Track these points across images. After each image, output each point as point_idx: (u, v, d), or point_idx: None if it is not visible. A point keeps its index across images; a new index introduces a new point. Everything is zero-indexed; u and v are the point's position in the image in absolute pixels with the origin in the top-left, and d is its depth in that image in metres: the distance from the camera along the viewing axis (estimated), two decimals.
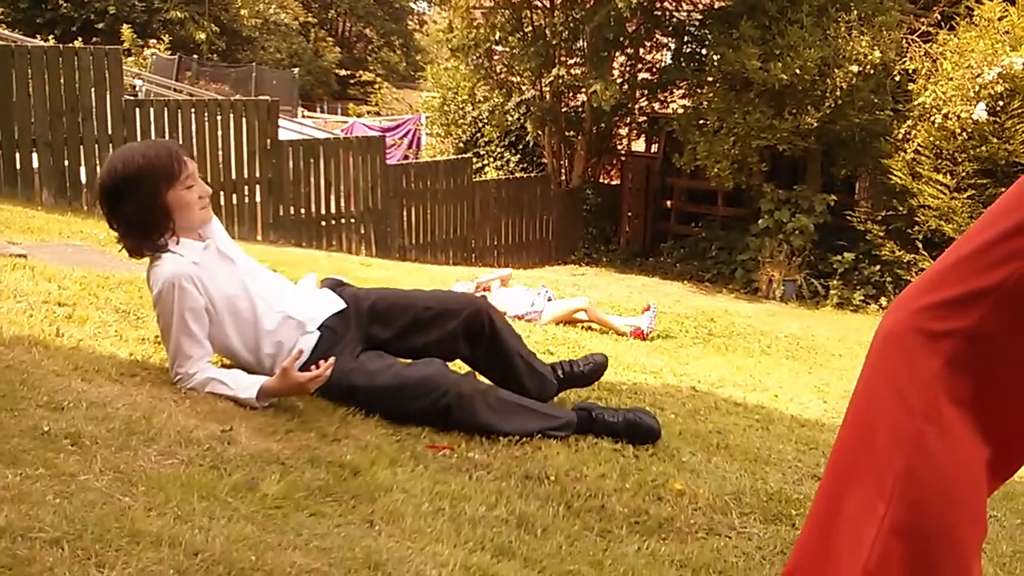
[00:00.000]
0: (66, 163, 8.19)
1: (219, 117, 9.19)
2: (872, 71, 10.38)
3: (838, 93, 10.32)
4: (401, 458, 2.19)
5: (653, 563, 1.88)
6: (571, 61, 13.09)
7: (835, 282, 11.01)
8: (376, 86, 29.29)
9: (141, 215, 2.42)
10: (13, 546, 1.33)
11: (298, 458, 2.04)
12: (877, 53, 10.23)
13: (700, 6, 12.94)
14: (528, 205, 13.11)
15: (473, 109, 14.79)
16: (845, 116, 10.58)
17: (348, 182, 10.49)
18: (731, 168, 11.24)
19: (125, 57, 15.72)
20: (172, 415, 2.11)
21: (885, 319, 1.27)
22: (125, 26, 22.65)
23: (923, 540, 1.17)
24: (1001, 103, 9.57)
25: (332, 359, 2.38)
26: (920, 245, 10.03)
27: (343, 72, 32.51)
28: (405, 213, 11.35)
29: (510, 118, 13.97)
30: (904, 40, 10.62)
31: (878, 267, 10.83)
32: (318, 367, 2.34)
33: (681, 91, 13.14)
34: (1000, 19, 9.65)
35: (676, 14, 13.21)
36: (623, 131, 14.54)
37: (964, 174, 9.81)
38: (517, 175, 14.10)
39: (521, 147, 14.76)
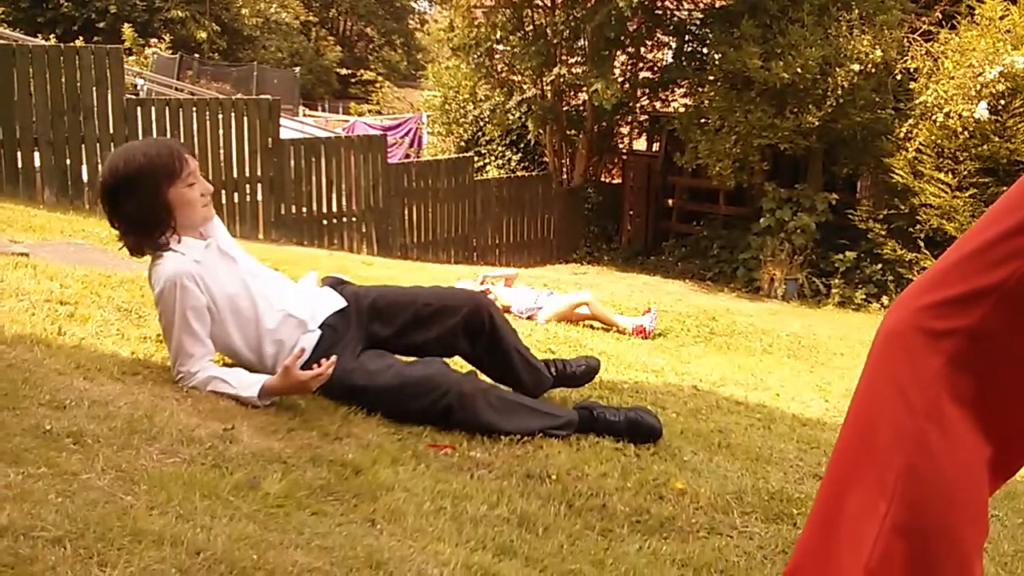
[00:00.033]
0: (67, 162, 8.19)
1: (220, 116, 9.19)
2: (873, 70, 10.37)
3: (839, 92, 10.31)
4: (403, 457, 2.19)
5: (654, 562, 1.88)
6: (572, 60, 13.09)
7: (837, 281, 11.00)
8: (377, 85, 29.28)
9: (143, 213, 2.42)
10: (15, 545, 1.33)
11: (300, 457, 2.04)
12: (878, 52, 10.22)
13: (701, 5, 12.94)
14: (529, 204, 13.10)
15: (474, 108, 14.78)
16: (846, 115, 10.58)
17: (349, 181, 10.50)
18: (733, 167, 11.24)
19: (126, 56, 15.72)
20: (174, 414, 2.11)
21: (887, 318, 1.27)
22: (126, 25, 22.65)
23: (924, 539, 1.17)
24: (1002, 102, 9.57)
25: (334, 358, 2.38)
26: (922, 244, 10.02)
27: (344, 71, 32.51)
28: (406, 212, 11.35)
29: (511, 117, 13.96)
30: (905, 39, 10.61)
31: (880, 266, 10.83)
32: (320, 366, 2.34)
33: (682, 90, 13.13)
34: (1001, 18, 9.64)
35: (677, 13, 13.20)
36: (624, 130, 14.53)
37: (966, 173, 9.81)
38: (518, 174, 14.10)
39: (522, 146, 14.75)
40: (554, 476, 2.24)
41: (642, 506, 2.16)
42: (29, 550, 1.32)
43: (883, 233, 10.57)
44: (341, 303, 2.64)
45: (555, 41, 12.79)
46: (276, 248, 8.20)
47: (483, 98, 14.40)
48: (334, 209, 10.33)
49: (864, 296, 10.77)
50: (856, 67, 10.22)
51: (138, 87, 15.88)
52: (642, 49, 13.38)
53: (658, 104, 13.77)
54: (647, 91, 13.66)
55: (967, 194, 9.74)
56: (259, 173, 9.46)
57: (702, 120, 11.81)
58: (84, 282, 3.37)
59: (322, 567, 1.50)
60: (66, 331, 2.62)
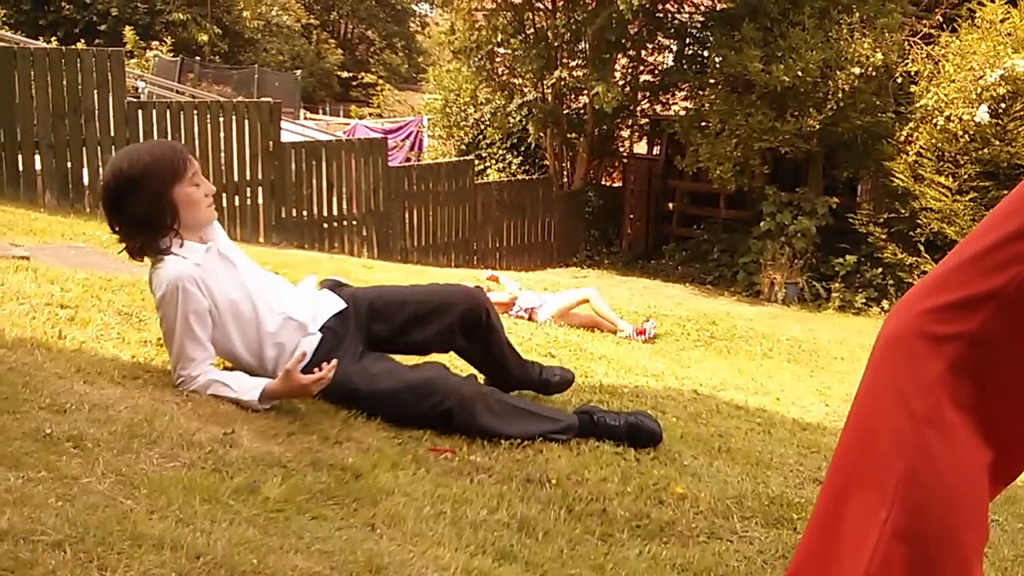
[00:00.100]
0: (68, 165, 8.20)
1: (221, 119, 9.20)
2: (874, 73, 10.39)
3: (840, 95, 10.32)
4: (403, 461, 2.19)
5: (654, 567, 1.88)
6: (573, 63, 13.10)
7: (837, 285, 11.00)
8: (378, 88, 29.33)
9: (148, 212, 2.40)
10: (15, 549, 1.33)
11: (300, 461, 2.03)
12: (879, 55, 10.23)
13: (702, 8, 12.96)
14: (530, 207, 13.11)
15: (475, 111, 14.79)
16: (847, 118, 10.59)
17: (350, 184, 10.51)
18: (733, 170, 11.24)
19: (127, 59, 15.72)
20: (174, 418, 2.11)
21: (887, 322, 1.27)
22: (127, 28, 22.72)
23: (924, 544, 1.17)
24: (1003, 105, 9.58)
25: (334, 361, 2.37)
26: (922, 248, 10.02)
27: (345, 74, 32.56)
28: (407, 215, 11.36)
29: (512, 120, 13.98)
30: (906, 42, 10.62)
31: (880, 270, 10.83)
32: (320, 369, 2.34)
33: (683, 93, 13.15)
34: (1002, 21, 9.66)
35: (678, 16, 13.22)
36: (625, 133, 14.54)
37: (966, 176, 9.81)
38: (519, 177, 14.11)
39: (523, 149, 14.76)
40: (554, 480, 2.24)
41: (642, 511, 2.16)
42: (29, 554, 1.32)
43: (883, 237, 10.57)
44: (340, 305, 2.64)
45: (556, 44, 12.80)
46: (277, 251, 8.20)
47: (484, 101, 14.41)
48: (335, 212, 10.34)
49: (864, 300, 10.77)
50: (857, 70, 10.23)
51: (139, 90, 15.91)
52: (643, 52, 13.39)
53: (659, 107, 13.78)
54: (648, 94, 13.67)
55: (967, 198, 9.75)
56: (260, 176, 9.46)
57: (703, 123, 11.82)
58: (85, 286, 3.37)
59: (322, 571, 1.49)
60: (66, 335, 2.62)
